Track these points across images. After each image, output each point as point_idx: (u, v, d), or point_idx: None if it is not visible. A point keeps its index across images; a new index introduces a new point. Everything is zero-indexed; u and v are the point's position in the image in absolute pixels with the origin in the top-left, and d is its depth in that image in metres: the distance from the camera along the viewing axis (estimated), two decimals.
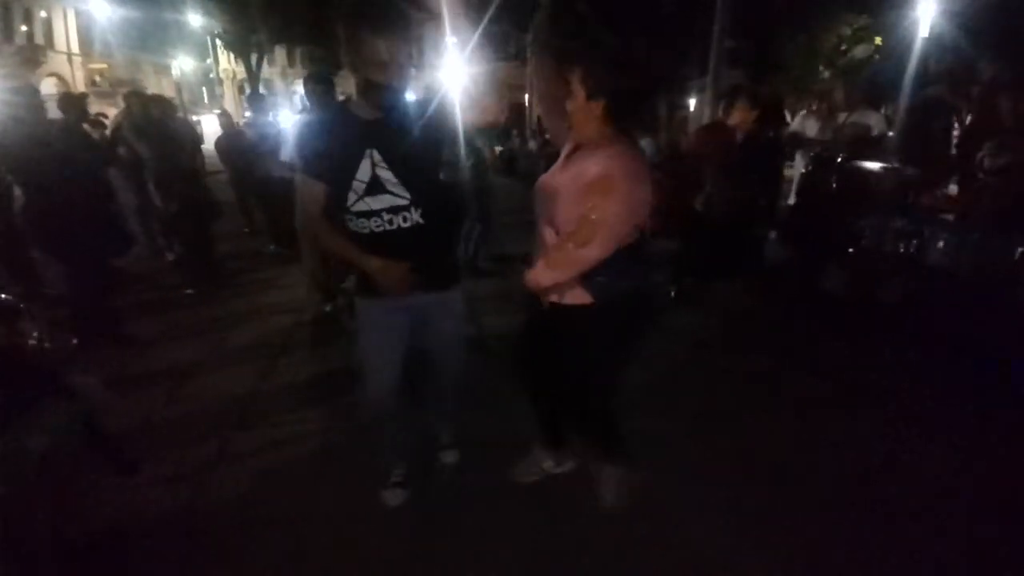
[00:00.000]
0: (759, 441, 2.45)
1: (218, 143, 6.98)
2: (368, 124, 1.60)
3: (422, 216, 1.66)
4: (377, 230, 1.66)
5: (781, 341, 3.47)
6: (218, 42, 20.64)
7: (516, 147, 12.99)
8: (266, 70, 20.61)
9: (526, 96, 18.44)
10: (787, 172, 5.01)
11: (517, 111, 14.81)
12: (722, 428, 2.54)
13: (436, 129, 1.62)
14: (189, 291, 4.47)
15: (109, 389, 2.22)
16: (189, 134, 5.49)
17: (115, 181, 4.67)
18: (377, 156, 1.59)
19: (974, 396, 2.66)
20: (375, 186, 1.61)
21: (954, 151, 4.31)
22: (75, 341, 3.36)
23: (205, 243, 4.67)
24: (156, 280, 4.84)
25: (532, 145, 12.48)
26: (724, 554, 1.86)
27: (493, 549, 1.90)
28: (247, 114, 10.65)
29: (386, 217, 1.64)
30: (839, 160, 4.31)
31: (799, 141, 5.02)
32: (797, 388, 2.92)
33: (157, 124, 4.62)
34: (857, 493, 2.13)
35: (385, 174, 1.60)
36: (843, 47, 13.03)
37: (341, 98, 2.77)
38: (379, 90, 1.55)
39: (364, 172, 1.59)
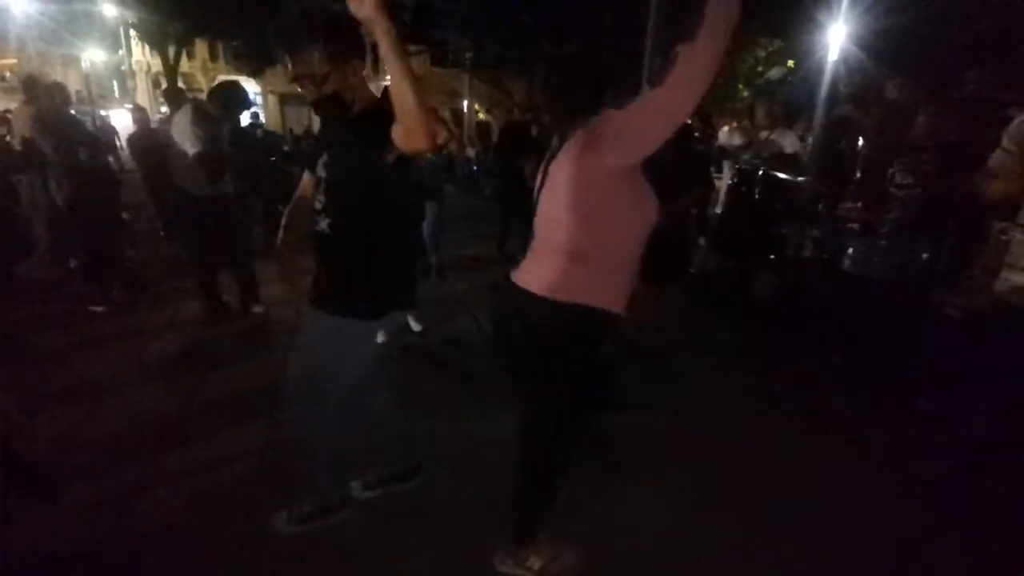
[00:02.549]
0: (694, 434, 2.58)
1: (131, 140, 6.52)
2: (331, 125, 1.66)
3: (329, 226, 1.66)
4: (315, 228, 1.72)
5: (712, 343, 3.67)
6: (132, 32, 19.17)
7: (454, 153, 12.94)
8: (185, 64, 19.34)
9: (464, 103, 18.49)
10: (717, 183, 5.31)
11: (455, 118, 14.82)
12: (664, 427, 2.65)
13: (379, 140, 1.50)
14: (98, 308, 3.99)
15: (19, 408, 2.00)
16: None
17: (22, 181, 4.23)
18: (326, 157, 1.65)
19: (886, 387, 2.93)
20: (319, 185, 1.68)
21: (860, 166, 4.74)
22: None
23: (112, 249, 4.26)
24: (61, 289, 4.42)
25: (470, 151, 12.48)
26: (674, 551, 1.92)
27: (452, 568, 1.85)
28: (163, 110, 9.90)
29: (317, 217, 1.70)
30: (760, 173, 4.63)
31: (726, 154, 5.33)
32: (728, 386, 3.11)
33: (62, 116, 4.23)
34: (773, 485, 2.28)
35: (323, 174, 1.67)
36: (759, 68, 14.01)
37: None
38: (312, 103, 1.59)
39: (320, 170, 1.67)
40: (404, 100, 1.34)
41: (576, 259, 1.50)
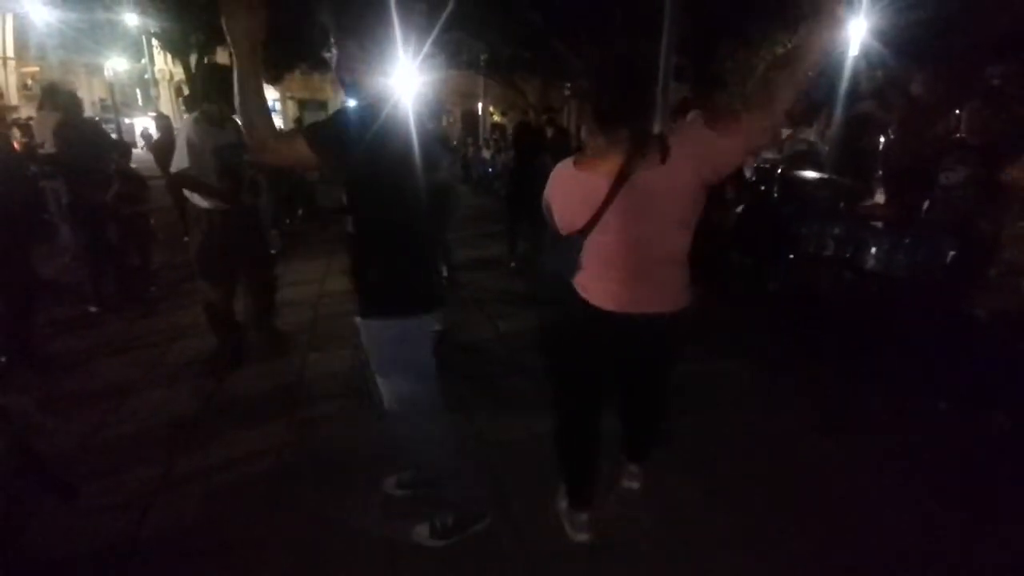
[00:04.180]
0: (708, 433, 2.54)
1: (155, 147, 6.66)
2: None
3: (354, 226, 1.63)
4: None
5: (731, 341, 3.60)
6: (155, 41, 19.61)
7: (470, 155, 13.00)
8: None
9: (479, 104, 18.55)
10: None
11: (471, 119, 14.85)
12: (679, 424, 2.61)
13: (389, 138, 1.49)
14: (92, 309, 4.04)
15: (40, 411, 2.05)
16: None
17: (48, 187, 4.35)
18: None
19: (907, 387, 2.85)
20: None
21: (882, 163, 4.63)
22: (3, 359, 3.13)
23: (112, 255, 4.28)
24: (84, 292, 4.51)
25: (485, 153, 12.50)
26: (679, 550, 1.89)
27: (462, 568, 1.84)
28: (185, 117, 10.18)
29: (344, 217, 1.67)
30: (779, 171, 4.56)
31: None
32: (746, 384, 3.06)
33: (85, 123, 4.32)
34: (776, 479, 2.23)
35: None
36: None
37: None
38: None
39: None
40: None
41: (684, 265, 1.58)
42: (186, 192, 3.05)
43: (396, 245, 1.62)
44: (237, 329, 3.37)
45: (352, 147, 1.45)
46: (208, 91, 2.94)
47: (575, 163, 1.56)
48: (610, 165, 1.45)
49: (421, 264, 1.69)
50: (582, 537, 1.90)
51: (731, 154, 1.43)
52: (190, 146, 2.89)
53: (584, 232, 1.51)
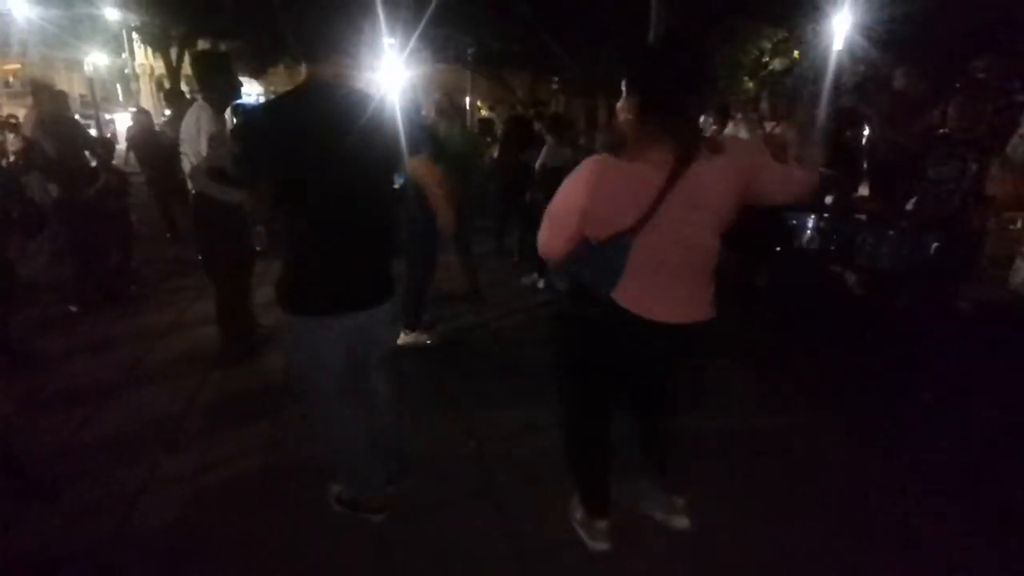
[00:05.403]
0: (706, 434, 2.51)
1: (134, 142, 6.54)
2: None
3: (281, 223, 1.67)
4: None
5: (721, 339, 3.61)
6: (134, 35, 19.25)
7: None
8: (188, 66, 19.42)
9: (466, 99, 18.44)
10: None
11: (458, 114, 14.76)
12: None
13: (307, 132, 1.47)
14: (73, 308, 3.96)
15: (20, 410, 2.00)
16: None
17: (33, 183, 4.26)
18: None
19: (901, 382, 2.88)
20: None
21: (866, 157, 4.68)
22: None
23: (97, 253, 4.18)
24: (63, 290, 4.41)
25: None
26: (681, 550, 1.89)
27: (455, 566, 1.82)
28: (167, 112, 10.03)
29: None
30: None
31: None
32: (739, 382, 3.06)
33: (66, 120, 4.24)
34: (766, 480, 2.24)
35: None
36: (764, 60, 13.90)
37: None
38: None
39: None
40: None
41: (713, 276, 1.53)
42: (201, 186, 2.85)
43: (305, 243, 1.59)
44: (250, 320, 3.44)
45: (258, 144, 1.45)
46: (206, 77, 2.81)
47: (618, 156, 1.37)
48: (664, 157, 1.31)
49: (338, 264, 1.61)
50: (601, 547, 1.83)
51: (776, 182, 1.42)
52: (211, 137, 2.71)
53: (633, 231, 1.34)
